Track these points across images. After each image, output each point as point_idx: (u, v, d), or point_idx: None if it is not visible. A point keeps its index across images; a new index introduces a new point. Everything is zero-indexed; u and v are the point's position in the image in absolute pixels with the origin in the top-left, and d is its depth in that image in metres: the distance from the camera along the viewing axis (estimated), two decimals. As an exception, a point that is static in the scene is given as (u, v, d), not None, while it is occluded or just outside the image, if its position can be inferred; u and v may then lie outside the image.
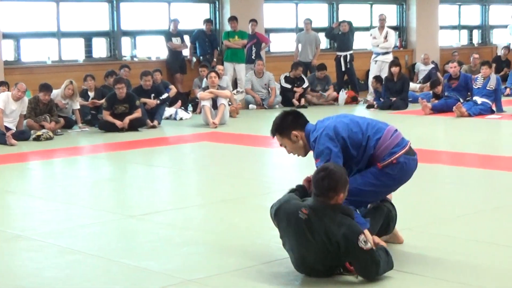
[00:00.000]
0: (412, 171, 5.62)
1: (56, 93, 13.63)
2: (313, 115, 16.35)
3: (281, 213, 5.11)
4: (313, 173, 5.03)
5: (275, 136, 5.56)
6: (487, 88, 14.98)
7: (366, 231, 5.09)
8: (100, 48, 17.28)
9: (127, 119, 13.39)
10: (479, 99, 14.89)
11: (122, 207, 7.67)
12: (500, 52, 22.61)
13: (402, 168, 5.48)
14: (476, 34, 24.63)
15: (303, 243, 4.95)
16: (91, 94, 14.63)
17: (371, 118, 5.67)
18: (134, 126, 13.54)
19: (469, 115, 14.46)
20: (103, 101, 13.86)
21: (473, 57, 19.78)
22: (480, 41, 24.52)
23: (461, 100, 15.01)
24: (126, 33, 17.53)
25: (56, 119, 13.17)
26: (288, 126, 5.47)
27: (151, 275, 5.26)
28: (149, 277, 5.23)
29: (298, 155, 5.61)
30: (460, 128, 13.37)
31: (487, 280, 5.00)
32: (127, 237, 6.49)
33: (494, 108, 14.98)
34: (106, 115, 13.49)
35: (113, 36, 17.26)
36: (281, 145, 5.57)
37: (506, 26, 22.72)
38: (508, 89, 18.39)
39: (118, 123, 13.32)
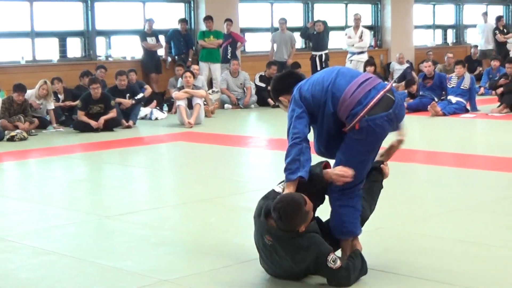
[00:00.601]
0: (387, 130, 4.98)
1: (30, 93, 13.56)
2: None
3: (255, 227, 5.07)
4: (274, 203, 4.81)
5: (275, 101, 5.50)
6: (461, 87, 15.07)
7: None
8: (74, 48, 17.20)
9: (102, 119, 13.34)
10: (453, 98, 14.98)
11: (97, 207, 7.64)
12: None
13: (369, 132, 4.85)
14: (450, 34, 24.76)
15: (272, 262, 4.94)
16: (60, 96, 14.55)
17: (344, 68, 5.22)
18: (109, 126, 13.50)
19: (444, 114, 14.54)
20: (77, 102, 13.80)
21: (447, 56, 19.88)
22: (454, 41, 24.66)
23: (436, 99, 15.08)
24: (100, 33, 17.46)
25: (30, 120, 13.10)
26: (277, 92, 5.35)
27: (127, 276, 5.24)
28: (125, 277, 5.21)
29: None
30: (435, 127, 13.43)
31: (464, 278, 5.02)
32: (102, 237, 6.46)
33: (468, 107, 15.07)
34: (81, 115, 13.43)
35: (88, 36, 17.19)
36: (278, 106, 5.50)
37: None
38: (482, 88, 18.50)
39: (93, 123, 13.27)
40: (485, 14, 22.46)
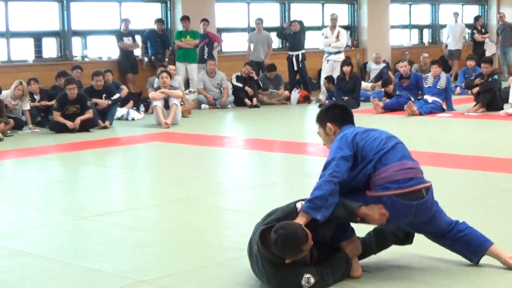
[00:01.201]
0: (406, 216, 5.02)
1: (5, 94, 13.48)
2: (265, 115, 16.45)
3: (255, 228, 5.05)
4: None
5: (317, 123, 5.44)
6: (437, 87, 15.13)
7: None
8: (50, 48, 17.12)
9: (78, 120, 13.28)
10: (429, 98, 15.04)
11: (73, 208, 7.60)
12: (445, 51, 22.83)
13: (388, 207, 4.93)
14: (426, 34, 24.86)
15: (253, 268, 4.97)
16: (36, 97, 14.47)
17: (403, 144, 5.33)
18: (86, 126, 13.44)
19: (420, 114, 14.59)
20: (53, 102, 13.73)
21: (423, 56, 19.95)
22: (430, 40, 24.76)
23: (412, 99, 15.14)
24: (76, 33, 17.38)
25: (5, 120, 13.02)
26: (327, 117, 5.33)
27: (104, 277, 5.22)
28: (101, 278, 5.19)
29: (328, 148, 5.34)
30: (411, 127, 13.47)
31: (438, 277, 5.04)
32: (79, 238, 6.43)
33: (444, 106, 15.14)
34: (57, 116, 13.36)
35: (64, 36, 17.10)
36: (318, 133, 5.43)
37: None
38: (458, 88, 18.59)
39: (69, 123, 13.20)
40: (456, 14, 22.50)
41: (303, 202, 4.90)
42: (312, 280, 4.80)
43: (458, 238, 5.23)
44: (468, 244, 5.24)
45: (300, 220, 4.81)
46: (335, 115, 5.34)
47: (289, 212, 4.90)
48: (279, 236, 4.63)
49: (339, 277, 4.95)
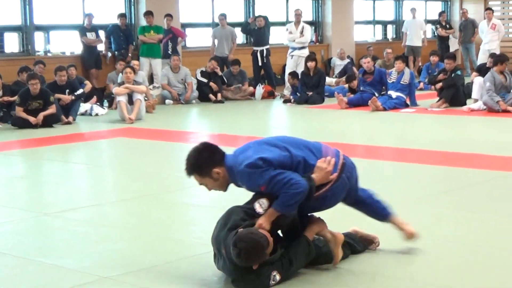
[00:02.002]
0: (344, 189, 5.18)
1: (-33, 89, 13.33)
2: (230, 110, 16.41)
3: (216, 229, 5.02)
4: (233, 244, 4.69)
5: (193, 175, 5.02)
6: (401, 82, 15.22)
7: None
8: (12, 43, 16.96)
9: (41, 115, 13.17)
10: (393, 93, 15.12)
11: (36, 204, 7.54)
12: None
13: (325, 199, 5.08)
14: (390, 29, 24.98)
15: (219, 264, 4.97)
16: (-1, 92, 14.34)
17: (294, 141, 5.14)
18: (49, 122, 13.33)
19: (384, 109, 14.66)
20: (15, 97, 13.59)
21: (387, 52, 20.04)
22: (394, 36, 24.87)
23: (376, 94, 15.20)
24: (39, 28, 17.24)
25: (-33, 116, 12.89)
26: (208, 164, 4.94)
27: (67, 273, 5.18)
28: (65, 275, 5.15)
29: (220, 191, 5.14)
30: (375, 122, 13.54)
31: (402, 271, 5.06)
32: (42, 235, 6.38)
33: (408, 102, 15.23)
34: (20, 112, 13.23)
35: (26, 30, 16.95)
36: (201, 184, 5.05)
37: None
38: (421, 83, 18.70)
39: (31, 119, 13.09)
40: (413, 9, 22.52)
41: (262, 201, 4.89)
42: (278, 277, 4.82)
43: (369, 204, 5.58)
44: (376, 209, 5.64)
45: (268, 218, 4.83)
46: (212, 157, 4.96)
47: (250, 214, 4.89)
48: (241, 250, 4.62)
49: (303, 261, 4.98)
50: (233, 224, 4.82)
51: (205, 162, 4.94)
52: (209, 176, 4.95)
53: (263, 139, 5.14)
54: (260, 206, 4.90)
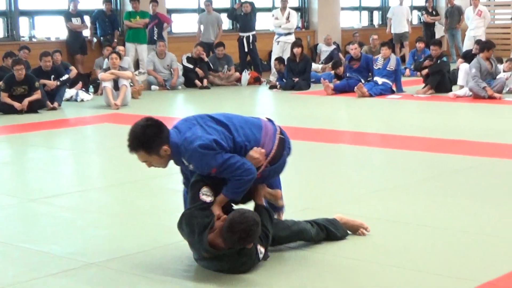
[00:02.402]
0: (285, 161, 5.15)
1: (-49, 74, 13.25)
2: (216, 96, 16.35)
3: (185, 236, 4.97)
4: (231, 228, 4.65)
5: (138, 153, 4.85)
6: (387, 68, 15.22)
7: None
8: (-3, 28, 16.87)
9: (26, 101, 13.11)
10: (379, 80, 15.13)
11: (22, 190, 7.52)
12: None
13: (268, 176, 5.11)
14: (376, 16, 24.96)
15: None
16: (-16, 78, 14.26)
17: (237, 119, 5.11)
18: (34, 108, 13.28)
19: (370, 95, 14.67)
20: (0, 83, 13.53)
21: (372, 38, 20.04)
22: (380, 22, 24.85)
23: (362, 81, 15.21)
24: (23, 13, 17.14)
25: (-48, 101, 12.81)
26: (157, 141, 4.78)
27: (53, 259, 5.16)
28: (51, 261, 5.14)
29: (159, 167, 5.03)
30: (361, 108, 13.55)
31: (386, 256, 5.08)
32: (28, 221, 6.37)
33: (394, 88, 15.24)
34: (4, 97, 13.17)
35: (10, 16, 16.85)
36: (144, 161, 4.91)
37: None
38: (407, 70, 18.72)
39: (16, 105, 13.03)
40: None
41: (204, 190, 4.86)
42: (263, 250, 4.86)
43: None
44: None
45: (220, 206, 4.86)
46: (160, 132, 4.80)
47: (200, 207, 4.85)
48: (241, 231, 4.60)
49: (271, 227, 5.01)
50: (200, 226, 4.76)
51: (154, 139, 4.78)
52: (157, 153, 4.81)
53: (207, 114, 5.09)
54: (207, 195, 4.86)
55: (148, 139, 4.78)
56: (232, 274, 4.77)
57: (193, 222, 4.79)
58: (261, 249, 4.86)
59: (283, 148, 5.09)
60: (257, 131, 4.99)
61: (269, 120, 5.19)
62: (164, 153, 4.82)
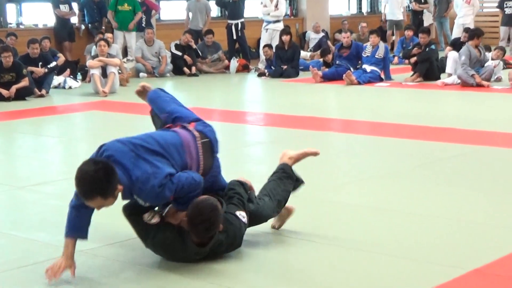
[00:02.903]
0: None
1: None
2: (204, 83, 16.32)
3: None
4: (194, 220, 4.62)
5: (94, 200, 4.47)
6: (375, 56, 15.22)
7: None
8: (-16, 15, 16.79)
9: (13, 88, 13.06)
10: (368, 67, 15.13)
11: (10, 178, 7.49)
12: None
13: (210, 184, 5.01)
14: (365, 3, 24.95)
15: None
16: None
17: (165, 142, 4.76)
18: (21, 95, 13.22)
19: (359, 83, 14.68)
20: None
21: (361, 25, 20.02)
22: (369, 10, 24.86)
23: (351, 69, 15.21)
24: (11, 0, 17.04)
25: None
26: (112, 183, 4.44)
27: (41, 247, 5.16)
28: (39, 248, 5.13)
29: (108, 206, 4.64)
30: (349, 96, 13.56)
31: (374, 243, 5.09)
32: (16, 208, 6.35)
33: (382, 76, 15.25)
34: (-8, 84, 13.12)
35: (-2, 2, 16.77)
36: (99, 207, 4.57)
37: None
38: (396, 58, 18.72)
39: (4, 92, 12.98)
40: None
41: (147, 216, 4.79)
42: (244, 213, 4.88)
43: None
44: None
45: (173, 215, 4.81)
46: (114, 175, 4.46)
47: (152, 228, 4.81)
48: (204, 222, 4.57)
49: (243, 188, 5.04)
50: (175, 243, 4.73)
51: (110, 183, 4.41)
52: (112, 195, 4.46)
53: (136, 143, 4.72)
54: (152, 218, 4.78)
55: (104, 184, 4.40)
56: (233, 250, 4.82)
57: (167, 244, 4.75)
58: (242, 214, 4.86)
59: (212, 151, 4.97)
60: (182, 152, 4.76)
61: (183, 127, 4.96)
62: (118, 192, 4.51)
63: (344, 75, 14.74)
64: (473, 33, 14.59)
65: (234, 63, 17.57)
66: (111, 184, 4.40)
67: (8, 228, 5.63)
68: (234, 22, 18.21)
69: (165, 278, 4.59)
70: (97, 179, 4.38)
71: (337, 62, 15.74)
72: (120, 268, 4.77)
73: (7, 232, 5.52)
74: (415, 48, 15.50)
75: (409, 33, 18.57)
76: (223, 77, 16.88)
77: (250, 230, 5.39)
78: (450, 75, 14.75)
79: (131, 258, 4.91)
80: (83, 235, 4.71)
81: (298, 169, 5.55)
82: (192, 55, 17.01)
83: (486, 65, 14.38)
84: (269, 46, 16.95)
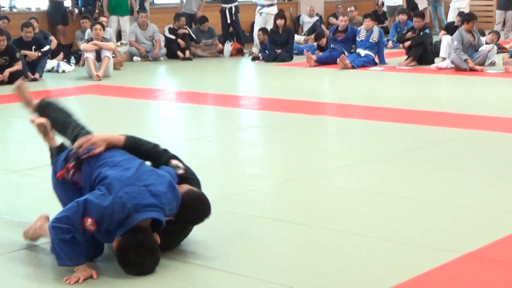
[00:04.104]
0: None
1: None
2: (198, 67, 16.29)
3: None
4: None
5: None
6: (370, 40, 15.21)
7: None
8: (-24, -1, 16.73)
9: (7, 72, 13.03)
10: (362, 52, 15.12)
11: (4, 162, 7.49)
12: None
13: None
14: (359, -13, 24.90)
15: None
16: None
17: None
18: (15, 79, 13.04)
19: (353, 67, 14.68)
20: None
21: (349, 10, 19.86)
22: (363, -6, 24.81)
23: (346, 53, 15.20)
24: (4, -17, 17.01)
25: None
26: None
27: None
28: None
29: None
30: (344, 80, 13.56)
31: (368, 227, 5.10)
32: (10, 192, 6.35)
33: (377, 60, 15.25)
34: (-15, 68, 13.09)
35: (-9, -15, 16.72)
36: None
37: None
38: (390, 42, 18.71)
39: (-3, 76, 12.96)
40: None
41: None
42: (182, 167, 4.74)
43: None
44: None
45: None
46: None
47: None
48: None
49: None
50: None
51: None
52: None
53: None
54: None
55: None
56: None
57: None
58: (178, 164, 4.74)
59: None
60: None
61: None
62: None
63: (338, 59, 14.73)
64: (465, 18, 14.57)
65: (228, 47, 17.55)
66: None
67: (3, 212, 5.63)
68: (228, 5, 18.16)
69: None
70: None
71: (331, 46, 15.74)
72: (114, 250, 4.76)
73: (2, 216, 5.52)
74: (409, 32, 15.49)
75: (403, 17, 18.56)
76: (217, 61, 16.86)
77: (243, 215, 5.42)
78: (444, 59, 14.76)
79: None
80: (89, 256, 4.44)
81: (293, 155, 5.56)
82: (186, 39, 16.97)
83: (480, 49, 14.37)
84: (263, 30, 16.92)
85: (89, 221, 4.23)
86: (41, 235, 4.74)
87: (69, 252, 4.25)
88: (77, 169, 4.69)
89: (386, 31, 19.67)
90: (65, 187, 4.77)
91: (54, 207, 5.48)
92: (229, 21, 18.22)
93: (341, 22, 15.77)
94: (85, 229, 4.25)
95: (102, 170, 4.52)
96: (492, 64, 14.53)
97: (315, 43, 17.32)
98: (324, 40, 16.67)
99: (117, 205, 4.24)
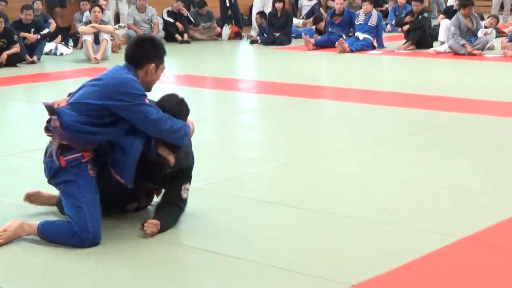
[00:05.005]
0: None
1: None
2: (196, 51, 16.25)
3: None
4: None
5: None
6: (368, 24, 15.19)
7: None
8: (-26, -20, 16.61)
9: (4, 54, 13.00)
10: (360, 35, 15.10)
11: (1, 144, 7.48)
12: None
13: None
14: (358, -30, 24.82)
15: None
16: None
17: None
18: (13, 61, 13.17)
19: (351, 51, 14.66)
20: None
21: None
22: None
23: (344, 36, 15.18)
24: (2, -35, 16.88)
25: None
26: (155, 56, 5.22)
27: (34, 214, 5.16)
28: (32, 215, 5.13)
29: None
30: (342, 64, 13.54)
31: (366, 211, 5.11)
32: (8, 175, 6.35)
33: (375, 44, 15.22)
34: (-17, 50, 13.07)
35: (-12, -32, 16.61)
36: None
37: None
38: (389, 25, 18.68)
39: (-5, 58, 12.94)
40: None
41: None
42: (188, 186, 4.90)
43: None
44: None
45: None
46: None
47: None
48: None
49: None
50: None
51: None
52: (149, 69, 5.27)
53: None
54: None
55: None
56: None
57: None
58: (187, 185, 4.89)
59: None
60: None
61: None
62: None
63: (336, 43, 14.71)
64: (462, 3, 14.51)
65: (227, 30, 17.52)
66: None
67: (1, 194, 5.63)
68: (226, -12, 18.12)
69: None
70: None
71: (329, 29, 15.71)
72: (110, 234, 4.77)
73: (0, 198, 5.52)
74: (408, 16, 15.47)
75: (402, 0, 18.51)
76: (215, 44, 16.83)
77: (241, 198, 5.43)
78: (442, 43, 14.74)
79: (123, 223, 4.92)
80: None
81: (291, 139, 5.56)
82: (184, 22, 16.94)
83: (479, 36, 14.29)
84: (261, 13, 16.89)
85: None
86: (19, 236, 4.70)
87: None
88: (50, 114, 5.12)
89: (385, 14, 19.62)
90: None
91: (51, 190, 5.49)
92: (227, 4, 18.17)
93: (337, 5, 15.72)
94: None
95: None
96: (491, 48, 14.51)
97: (314, 27, 17.29)
98: (322, 24, 16.64)
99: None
